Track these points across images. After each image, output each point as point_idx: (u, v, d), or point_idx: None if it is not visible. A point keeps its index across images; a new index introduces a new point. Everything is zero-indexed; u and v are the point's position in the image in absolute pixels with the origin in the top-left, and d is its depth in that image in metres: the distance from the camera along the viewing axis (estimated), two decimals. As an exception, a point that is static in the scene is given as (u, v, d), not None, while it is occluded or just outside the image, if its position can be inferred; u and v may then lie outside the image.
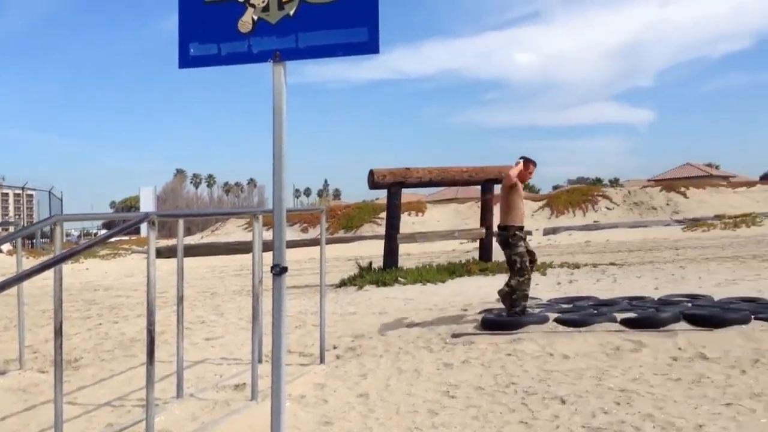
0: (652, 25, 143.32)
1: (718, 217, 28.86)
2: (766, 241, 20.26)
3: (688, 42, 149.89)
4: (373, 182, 14.34)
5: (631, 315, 7.45)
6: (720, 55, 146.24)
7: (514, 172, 8.01)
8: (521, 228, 7.92)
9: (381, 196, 33.65)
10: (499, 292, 7.98)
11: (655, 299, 8.74)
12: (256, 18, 3.41)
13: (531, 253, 8.00)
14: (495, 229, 8.07)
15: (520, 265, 7.75)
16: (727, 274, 12.16)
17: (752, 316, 6.97)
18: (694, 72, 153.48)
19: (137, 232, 41.16)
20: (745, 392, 5.10)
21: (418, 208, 36.41)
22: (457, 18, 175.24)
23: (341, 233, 34.23)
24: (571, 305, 8.72)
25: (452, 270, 14.30)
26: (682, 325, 6.99)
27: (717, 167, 78.25)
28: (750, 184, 39.67)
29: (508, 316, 7.70)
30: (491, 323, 7.63)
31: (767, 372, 5.56)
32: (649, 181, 57.33)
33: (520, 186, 8.09)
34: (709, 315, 7.12)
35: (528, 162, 8.18)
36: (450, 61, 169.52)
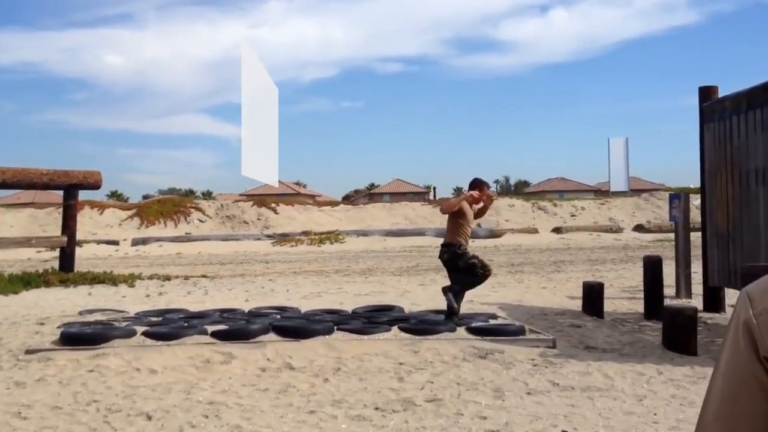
0: (244, 43, 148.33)
1: (306, 233, 30.74)
2: (347, 257, 22.12)
3: (279, 64, 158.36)
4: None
5: (222, 327, 7.39)
6: (309, 80, 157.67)
7: (454, 203, 8.09)
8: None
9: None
10: (447, 294, 7.95)
11: (246, 311, 8.84)
12: None
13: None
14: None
15: (480, 263, 7.87)
16: (313, 287, 12.90)
17: (335, 327, 7.38)
18: (284, 94, 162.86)
19: None
20: (328, 399, 5.30)
21: (-12, 211, 32.55)
22: (40, 9, 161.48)
23: None
24: (160, 318, 8.40)
25: (27, 280, 13.08)
26: (271, 336, 7.11)
27: (304, 186, 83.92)
28: (334, 203, 43.11)
29: (448, 318, 7.80)
30: (72, 338, 6.94)
31: (347, 380, 5.87)
32: (241, 195, 59.07)
33: (467, 209, 8.02)
34: (296, 326, 7.37)
35: (482, 185, 8.23)
36: (29, 54, 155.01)
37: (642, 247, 24.20)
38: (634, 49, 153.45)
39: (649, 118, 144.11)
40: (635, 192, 41.39)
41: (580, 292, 9.82)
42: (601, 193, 56.77)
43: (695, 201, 13.85)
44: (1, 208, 34.58)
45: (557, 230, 33.30)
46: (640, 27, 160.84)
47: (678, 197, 11.20)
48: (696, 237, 10.68)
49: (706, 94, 9.98)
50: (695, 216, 13.64)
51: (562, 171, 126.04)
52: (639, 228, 33.91)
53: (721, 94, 9.78)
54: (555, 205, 38.48)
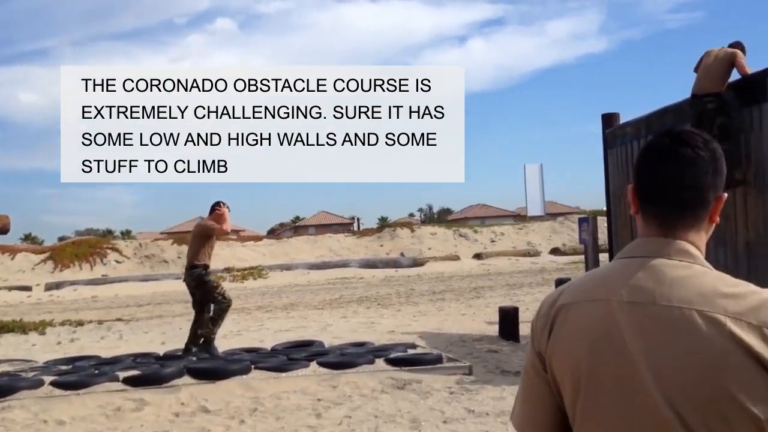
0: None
1: (228, 269, 30.19)
2: (270, 293, 21.85)
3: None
4: None
5: (135, 372, 7.17)
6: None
7: None
8: None
9: None
10: None
11: (161, 354, 8.62)
12: None
13: None
14: None
15: None
16: (233, 326, 12.66)
17: (252, 366, 7.26)
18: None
19: None
20: (243, 441, 5.21)
21: None
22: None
23: None
24: (70, 366, 8.13)
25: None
26: (186, 379, 6.95)
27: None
28: (258, 238, 42.49)
29: None
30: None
31: (264, 420, 5.79)
32: (161, 233, 57.77)
33: None
34: (211, 367, 7.22)
35: None
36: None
37: (558, 269, 24.73)
38: (547, 77, 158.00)
39: (562, 143, 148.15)
40: (551, 216, 42.31)
41: (497, 317, 9.95)
42: (519, 218, 57.74)
43: (605, 223, 14.24)
44: None
45: (478, 256, 33.66)
46: (553, 56, 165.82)
47: (587, 221, 11.52)
48: (605, 258, 10.99)
49: (609, 120, 10.34)
50: (605, 237, 14.05)
51: (484, 198, 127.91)
52: (555, 251, 34.65)
53: (623, 120, 10.14)
54: (476, 231, 39.00)
